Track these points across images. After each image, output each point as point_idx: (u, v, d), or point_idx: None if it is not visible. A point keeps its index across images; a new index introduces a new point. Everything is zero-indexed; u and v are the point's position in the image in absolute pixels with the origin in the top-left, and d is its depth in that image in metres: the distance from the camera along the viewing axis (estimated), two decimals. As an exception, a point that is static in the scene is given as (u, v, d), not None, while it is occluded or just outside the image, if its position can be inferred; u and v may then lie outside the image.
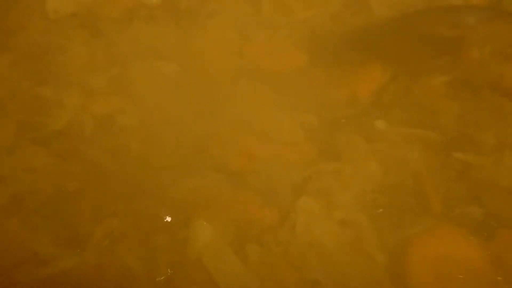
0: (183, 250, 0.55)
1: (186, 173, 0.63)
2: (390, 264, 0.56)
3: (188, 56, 0.81)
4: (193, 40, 0.82)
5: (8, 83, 0.77)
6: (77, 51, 0.80)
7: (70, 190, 0.62)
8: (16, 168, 0.62)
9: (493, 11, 0.86)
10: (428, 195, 0.63)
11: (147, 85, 0.75)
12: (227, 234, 0.55)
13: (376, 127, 0.70)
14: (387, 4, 0.93)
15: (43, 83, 0.76)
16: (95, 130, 0.70)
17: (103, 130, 0.70)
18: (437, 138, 0.69)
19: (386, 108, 0.74)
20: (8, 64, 0.79)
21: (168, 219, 0.58)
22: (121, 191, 0.61)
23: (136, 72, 0.77)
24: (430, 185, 0.63)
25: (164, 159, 0.65)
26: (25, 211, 0.59)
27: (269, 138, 0.67)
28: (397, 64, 0.81)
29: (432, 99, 0.76)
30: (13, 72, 0.78)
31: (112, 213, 0.59)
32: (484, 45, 0.84)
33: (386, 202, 0.62)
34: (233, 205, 0.59)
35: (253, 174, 0.62)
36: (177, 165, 0.65)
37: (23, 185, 0.61)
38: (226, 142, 0.67)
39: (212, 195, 0.60)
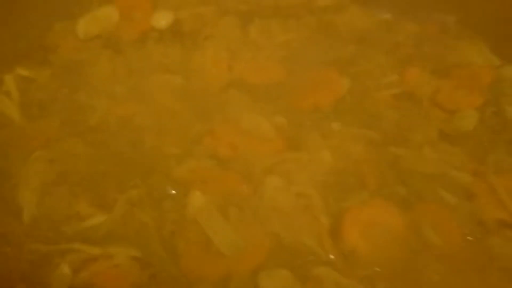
0: (183, 212, 0.72)
1: (186, 159, 0.79)
2: (331, 224, 0.73)
3: (190, 70, 0.96)
4: (194, 57, 0.97)
5: (50, 90, 0.92)
6: (102, 65, 0.95)
7: (100, 170, 0.79)
8: (62, 153, 0.79)
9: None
10: (366, 177, 0.79)
11: (158, 93, 0.90)
12: (215, 201, 0.72)
13: (332, 127, 0.88)
14: (350, 29, 1.08)
15: (78, 91, 0.90)
16: (118, 127, 0.85)
17: (124, 127, 0.85)
18: (377, 136, 0.86)
19: (341, 114, 0.90)
20: (49, 75, 0.94)
21: (173, 191, 0.74)
22: (138, 171, 0.77)
23: (149, 83, 0.92)
24: (368, 170, 0.79)
25: (170, 148, 0.81)
26: (69, 183, 0.76)
27: (249, 134, 0.83)
28: (354, 79, 0.98)
29: (379, 108, 0.90)
30: (54, 82, 0.93)
31: (131, 186, 0.75)
32: (425, 65, 1.02)
33: (333, 181, 0.78)
34: (220, 182, 0.75)
35: (236, 160, 0.78)
36: (180, 153, 0.80)
37: (67, 166, 0.78)
38: (217, 137, 0.82)
39: (205, 174, 0.76)
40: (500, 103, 0.94)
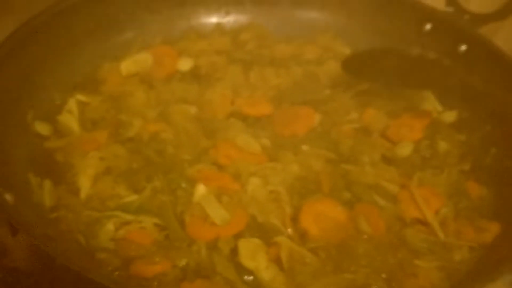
0: (190, 198, 0.93)
1: (195, 163, 1.06)
2: (292, 213, 1.00)
3: (202, 103, 1.23)
4: (206, 93, 1.24)
5: (100, 111, 1.18)
6: (139, 96, 1.20)
7: (134, 167, 1.06)
8: (108, 154, 1.05)
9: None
10: (321, 184, 1.07)
11: (178, 117, 1.15)
12: (213, 192, 0.97)
13: (302, 148, 1.16)
14: (327, 77, 1.38)
15: (121, 112, 1.16)
16: (149, 139, 1.10)
17: (153, 139, 1.10)
18: (334, 157, 1.13)
19: (311, 140, 1.17)
20: (100, 100, 1.21)
21: (184, 184, 1.01)
22: (161, 170, 1.03)
23: (172, 110, 1.17)
24: (324, 179, 1.07)
25: (185, 156, 1.07)
26: (113, 175, 1.02)
27: (242, 149, 1.09)
28: (325, 115, 1.28)
29: (339, 137, 1.19)
30: (103, 105, 1.20)
31: (155, 180, 1.02)
32: (381, 107, 1.32)
33: (297, 185, 1.06)
34: (218, 179, 1.01)
35: (230, 166, 1.05)
36: (191, 159, 1.07)
37: (112, 163, 1.04)
38: (218, 150, 1.08)
39: (208, 174, 1.02)
40: (434, 139, 1.25)
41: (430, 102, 1.34)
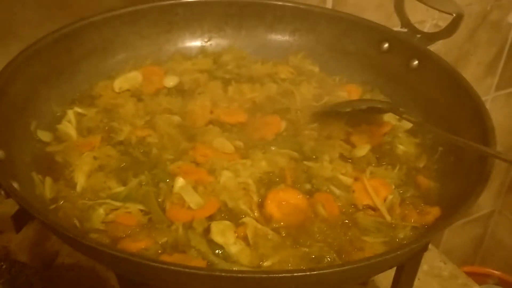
0: (171, 189, 1.00)
1: (177, 161, 1.19)
2: (259, 201, 1.13)
3: (185, 113, 1.35)
4: (189, 104, 1.37)
5: (95, 121, 1.29)
6: (129, 107, 1.31)
7: (123, 166, 1.18)
8: (101, 154, 1.16)
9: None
10: (286, 178, 1.19)
11: (163, 125, 1.26)
12: (191, 183, 1.10)
13: (270, 149, 1.35)
14: (302, 96, 1.52)
15: (113, 121, 1.28)
16: (137, 143, 1.22)
17: (140, 143, 1.21)
18: (297, 155, 1.26)
19: (279, 142, 1.31)
20: (95, 112, 1.33)
21: (166, 178, 1.12)
22: (147, 167, 1.14)
23: (158, 119, 1.30)
24: (287, 173, 1.23)
25: (168, 156, 1.19)
26: (105, 171, 1.12)
27: (217, 150, 1.23)
28: (290, 122, 1.46)
29: (304, 140, 1.35)
30: (98, 116, 1.31)
31: (141, 175, 1.14)
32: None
33: (265, 178, 1.20)
34: (195, 174, 1.12)
35: (206, 163, 1.17)
36: (173, 158, 1.18)
37: (104, 161, 1.15)
38: (197, 150, 1.21)
39: (187, 169, 1.14)
40: (393, 143, 1.42)
41: (390, 114, 1.50)
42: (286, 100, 1.45)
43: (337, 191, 1.14)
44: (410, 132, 1.36)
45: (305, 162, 1.21)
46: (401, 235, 1.05)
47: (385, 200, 1.12)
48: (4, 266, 1.22)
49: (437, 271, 1.26)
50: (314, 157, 1.25)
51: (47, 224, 0.89)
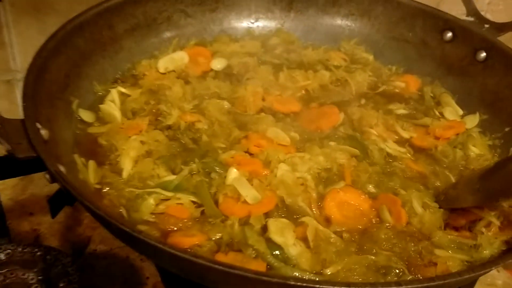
0: (223, 180, 1.00)
1: (229, 150, 1.14)
2: (317, 198, 1.07)
3: (235, 98, 1.33)
4: (238, 90, 1.34)
5: (140, 102, 1.28)
6: (176, 90, 1.30)
7: (172, 152, 1.16)
8: (149, 139, 1.12)
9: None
10: (345, 175, 1.14)
11: (212, 110, 1.25)
12: (245, 175, 1.04)
13: (328, 143, 1.26)
14: (358, 85, 1.47)
15: (159, 103, 1.26)
16: (186, 128, 1.20)
17: (189, 128, 1.20)
18: (358, 153, 1.21)
19: (337, 137, 1.26)
20: (139, 93, 1.31)
21: (218, 168, 1.09)
22: (196, 155, 1.11)
23: (207, 103, 1.27)
24: (348, 171, 1.16)
25: (219, 144, 1.16)
26: (153, 157, 1.10)
27: (272, 140, 1.17)
28: (348, 115, 1.37)
29: (364, 137, 1.29)
30: (142, 98, 1.30)
31: (191, 163, 1.09)
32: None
33: (323, 175, 1.14)
34: (249, 165, 1.08)
35: (261, 154, 1.13)
36: (225, 147, 1.16)
37: (152, 146, 1.12)
38: (250, 140, 1.16)
39: (240, 160, 1.09)
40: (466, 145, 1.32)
41: (451, 106, 1.40)
42: (341, 89, 1.41)
43: (419, 209, 1.04)
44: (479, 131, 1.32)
45: (366, 162, 1.17)
46: (486, 252, 0.95)
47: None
48: (38, 253, 1.09)
49: (490, 280, 1.28)
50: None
51: (96, 213, 0.81)
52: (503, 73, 1.35)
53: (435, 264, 0.98)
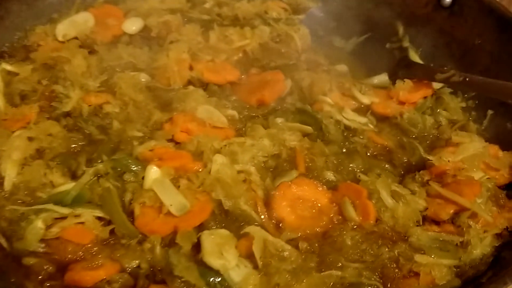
0: (141, 182, 0.83)
1: (148, 139, 0.91)
2: (264, 196, 0.86)
3: (155, 69, 1.07)
4: (159, 58, 1.08)
5: (31, 82, 1.02)
6: (78, 63, 1.05)
7: (72, 149, 0.91)
8: (39, 133, 0.89)
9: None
10: (297, 161, 0.92)
11: (125, 87, 1.00)
12: (169, 174, 0.83)
13: (275, 121, 0.99)
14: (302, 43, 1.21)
15: (55, 83, 1.00)
16: (90, 114, 0.96)
17: (95, 114, 0.96)
18: (312, 130, 0.98)
19: (285, 111, 1.01)
20: (31, 70, 1.04)
21: (133, 167, 0.85)
22: (105, 150, 0.88)
23: (118, 78, 1.02)
24: (300, 156, 0.92)
25: (134, 132, 0.93)
26: (45, 158, 0.87)
27: (203, 122, 0.95)
28: (295, 82, 1.09)
29: (316, 108, 1.03)
30: (35, 76, 1.03)
31: (98, 162, 0.86)
32: None
33: (271, 163, 0.92)
34: (174, 159, 0.86)
35: (190, 143, 0.90)
36: (143, 136, 0.92)
37: (44, 143, 0.89)
38: (175, 123, 0.93)
39: (162, 153, 0.88)
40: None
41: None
42: (285, 47, 1.17)
43: (388, 200, 0.84)
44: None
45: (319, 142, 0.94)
46: (476, 252, 0.74)
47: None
48: None
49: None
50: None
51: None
52: (473, 19, 1.14)
53: (417, 274, 0.76)
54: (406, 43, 1.22)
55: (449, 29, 1.19)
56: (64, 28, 1.14)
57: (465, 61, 1.17)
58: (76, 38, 1.14)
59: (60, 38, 1.13)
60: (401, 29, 1.23)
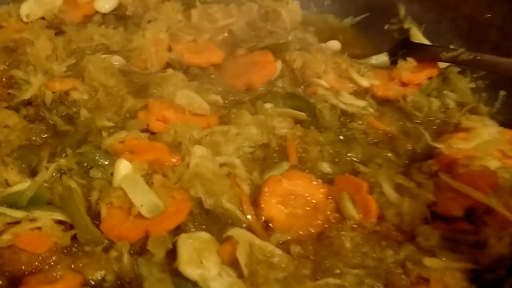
0: (109, 179, 0.74)
1: (119, 130, 0.81)
2: (251, 192, 0.76)
3: (130, 51, 0.98)
4: (135, 39, 0.99)
5: None
6: (42, 45, 0.95)
7: (33, 142, 0.81)
8: None
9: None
10: (289, 151, 0.82)
11: (96, 71, 0.89)
12: (141, 169, 0.73)
13: (263, 107, 0.89)
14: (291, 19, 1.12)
15: (16, 67, 0.92)
16: (54, 102, 0.87)
17: (60, 102, 0.87)
18: (305, 117, 0.88)
19: (276, 96, 0.92)
20: None
21: (101, 161, 0.75)
22: (71, 143, 0.79)
23: (88, 61, 0.91)
24: (292, 145, 0.83)
25: (104, 121, 0.83)
26: (0, 153, 0.77)
27: (182, 109, 0.85)
28: (286, 63, 1.00)
29: (310, 91, 0.94)
30: None
31: (61, 157, 0.76)
32: None
33: (255, 154, 0.82)
34: (148, 152, 0.76)
35: (166, 133, 0.80)
36: (114, 126, 0.83)
37: (1, 136, 0.79)
38: (151, 111, 0.84)
39: (134, 145, 0.78)
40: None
41: (418, 39, 1.09)
42: (273, 26, 1.09)
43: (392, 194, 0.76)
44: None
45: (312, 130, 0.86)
46: (494, 254, 0.64)
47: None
48: None
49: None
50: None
51: None
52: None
53: (427, 280, 0.67)
54: (407, 25, 1.11)
55: (454, 3, 1.09)
56: (29, 8, 1.05)
57: (473, 37, 1.07)
58: (43, 18, 1.06)
59: (24, 19, 1.04)
60: (402, 10, 1.11)
